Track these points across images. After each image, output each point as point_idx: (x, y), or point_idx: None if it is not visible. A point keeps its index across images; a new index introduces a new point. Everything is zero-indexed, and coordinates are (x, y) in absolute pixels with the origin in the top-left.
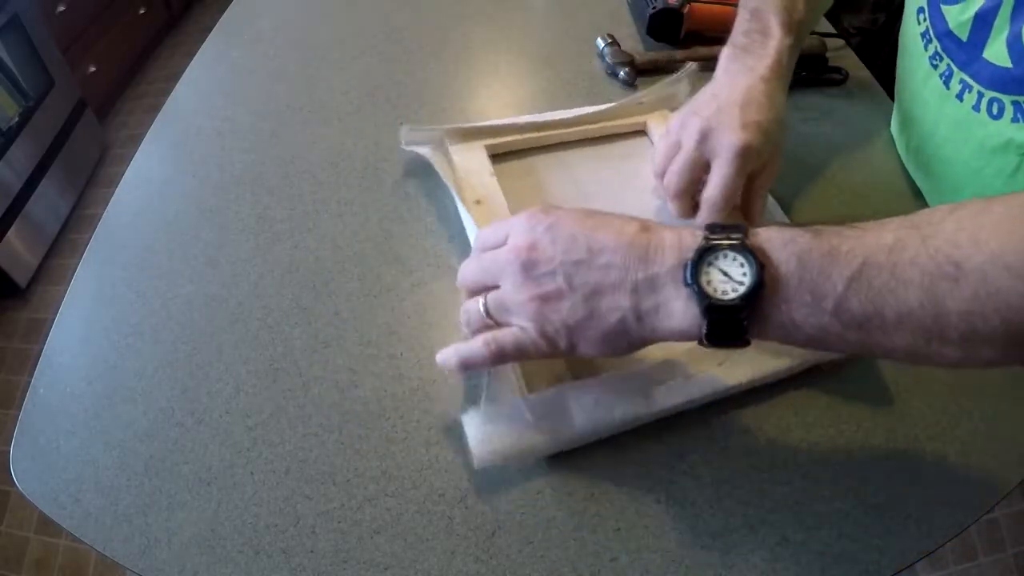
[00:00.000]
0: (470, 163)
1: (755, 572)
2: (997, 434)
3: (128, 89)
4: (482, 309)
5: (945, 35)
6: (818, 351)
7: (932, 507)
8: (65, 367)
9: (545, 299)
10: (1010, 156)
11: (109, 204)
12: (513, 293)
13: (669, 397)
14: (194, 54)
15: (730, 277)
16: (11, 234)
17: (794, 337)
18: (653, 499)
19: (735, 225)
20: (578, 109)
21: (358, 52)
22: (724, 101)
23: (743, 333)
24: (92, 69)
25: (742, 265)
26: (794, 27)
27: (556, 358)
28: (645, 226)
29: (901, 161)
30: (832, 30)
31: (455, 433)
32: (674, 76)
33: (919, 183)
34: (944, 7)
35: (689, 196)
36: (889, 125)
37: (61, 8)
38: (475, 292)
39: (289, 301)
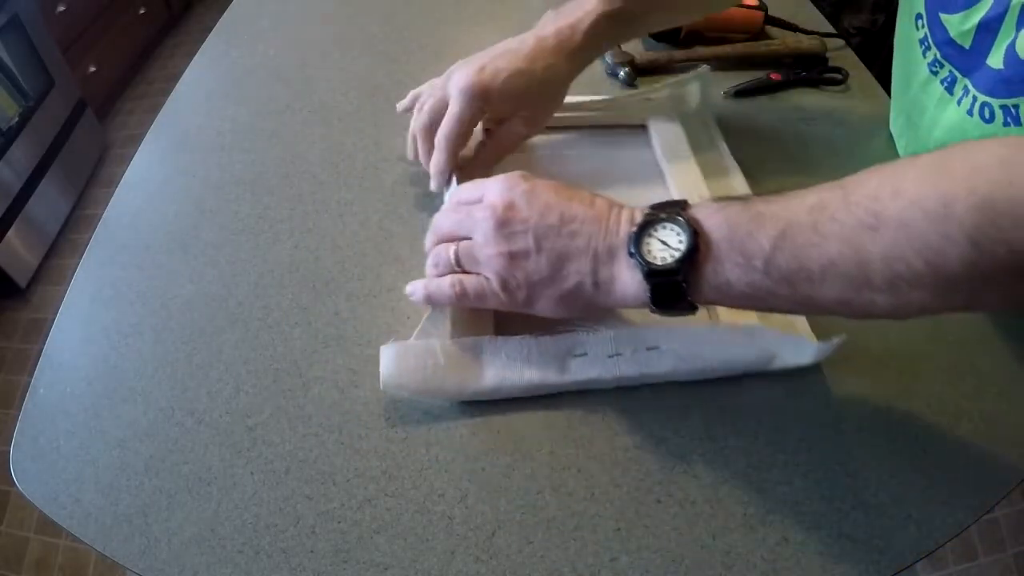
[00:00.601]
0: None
1: (755, 572)
2: (997, 434)
3: (128, 89)
4: (452, 256)
5: (946, 43)
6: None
7: (932, 507)
8: (65, 367)
9: (513, 256)
10: None
11: (109, 204)
12: (484, 246)
13: (582, 370)
14: (194, 54)
15: (668, 245)
16: (11, 234)
17: (731, 296)
18: (653, 499)
19: (677, 201)
20: (582, 96)
21: (358, 52)
22: (496, 50)
23: (683, 295)
24: (92, 69)
25: (678, 234)
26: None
27: (512, 310)
28: (612, 203)
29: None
30: (832, 30)
31: (456, 433)
32: (684, 76)
33: None
34: (944, 16)
35: (431, 136)
36: (889, 124)
37: (61, 8)
38: (445, 241)
39: (289, 301)
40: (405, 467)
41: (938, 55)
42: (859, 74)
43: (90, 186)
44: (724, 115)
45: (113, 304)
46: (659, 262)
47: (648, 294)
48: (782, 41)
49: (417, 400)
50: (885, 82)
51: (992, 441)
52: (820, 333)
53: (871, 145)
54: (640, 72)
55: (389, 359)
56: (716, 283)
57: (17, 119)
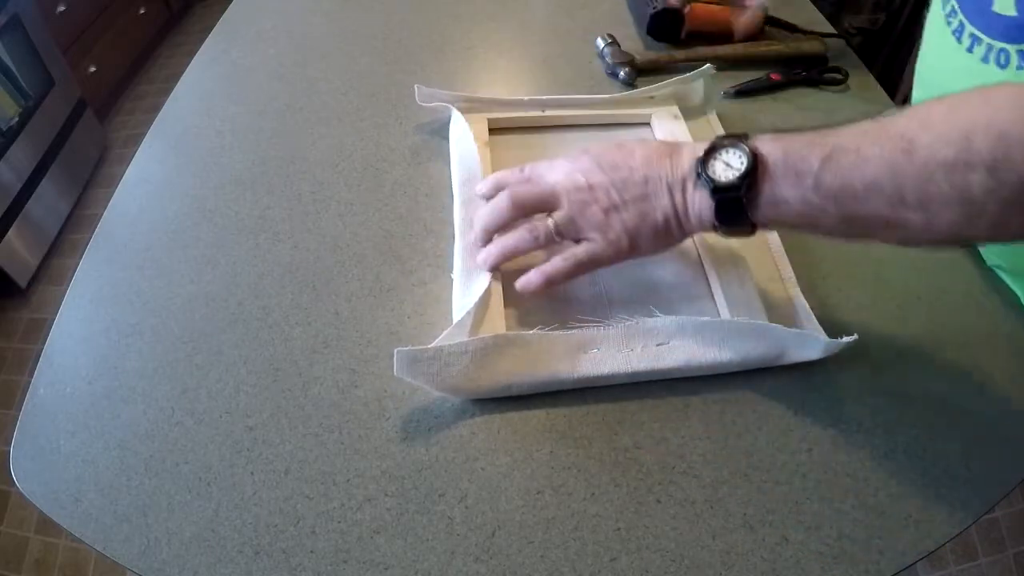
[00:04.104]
0: (470, 131)
1: (755, 572)
2: (997, 434)
3: (128, 89)
4: (552, 227)
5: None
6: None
7: (932, 507)
8: (65, 367)
9: (606, 211)
10: None
11: (109, 204)
12: (580, 212)
13: (593, 366)
14: (194, 54)
15: (730, 166)
16: (11, 234)
17: (786, 215)
18: (653, 499)
19: (739, 133)
20: (586, 95)
21: (358, 52)
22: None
23: (744, 211)
24: (92, 69)
25: (739, 156)
26: None
27: (620, 261)
28: (669, 143)
29: None
30: (832, 30)
31: (456, 433)
32: (688, 75)
33: None
34: None
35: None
36: None
37: (61, 8)
38: (529, 213)
39: (289, 301)
40: (405, 467)
41: (955, 5)
42: (859, 74)
43: (90, 186)
44: (724, 115)
45: (113, 304)
46: (723, 179)
47: (715, 211)
48: (782, 41)
49: (417, 400)
50: (885, 82)
51: (992, 441)
52: (830, 331)
53: None
54: (640, 72)
55: (403, 363)
56: (773, 200)
57: (17, 119)
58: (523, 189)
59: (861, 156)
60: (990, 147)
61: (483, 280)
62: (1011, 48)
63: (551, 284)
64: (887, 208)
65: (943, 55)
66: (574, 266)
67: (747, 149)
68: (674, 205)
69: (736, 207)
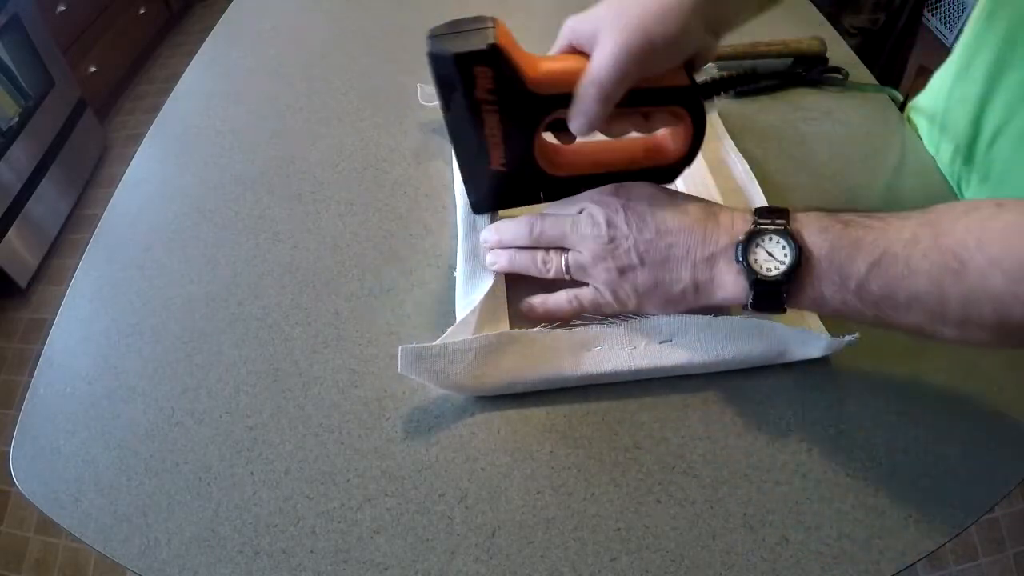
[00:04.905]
0: None
1: (755, 572)
2: (997, 434)
3: (128, 89)
4: (564, 266)
5: None
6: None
7: (932, 507)
8: (65, 367)
9: (621, 271)
10: None
11: (109, 204)
12: (593, 262)
13: (596, 364)
14: (194, 54)
15: (773, 256)
16: (11, 234)
17: (823, 309)
18: (653, 499)
19: (780, 209)
20: None
21: (358, 52)
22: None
23: (782, 303)
24: (92, 69)
25: (784, 248)
26: None
27: (623, 314)
28: (706, 207)
29: (901, 160)
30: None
31: (456, 433)
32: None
33: (964, 180)
34: None
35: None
36: (888, 124)
37: (61, 8)
38: (546, 247)
39: (289, 301)
40: (405, 467)
41: None
42: (859, 74)
43: (90, 186)
44: (724, 115)
45: (113, 304)
46: (765, 272)
47: (751, 299)
48: (782, 41)
49: (417, 400)
50: (885, 82)
51: (992, 441)
52: (831, 330)
53: (871, 145)
54: None
55: (407, 360)
56: (813, 296)
57: (17, 119)
58: (548, 225)
59: (909, 267)
60: None
61: (487, 279)
62: None
63: (549, 318)
64: (926, 321)
65: None
66: (576, 310)
67: (793, 242)
68: (695, 280)
69: (775, 299)
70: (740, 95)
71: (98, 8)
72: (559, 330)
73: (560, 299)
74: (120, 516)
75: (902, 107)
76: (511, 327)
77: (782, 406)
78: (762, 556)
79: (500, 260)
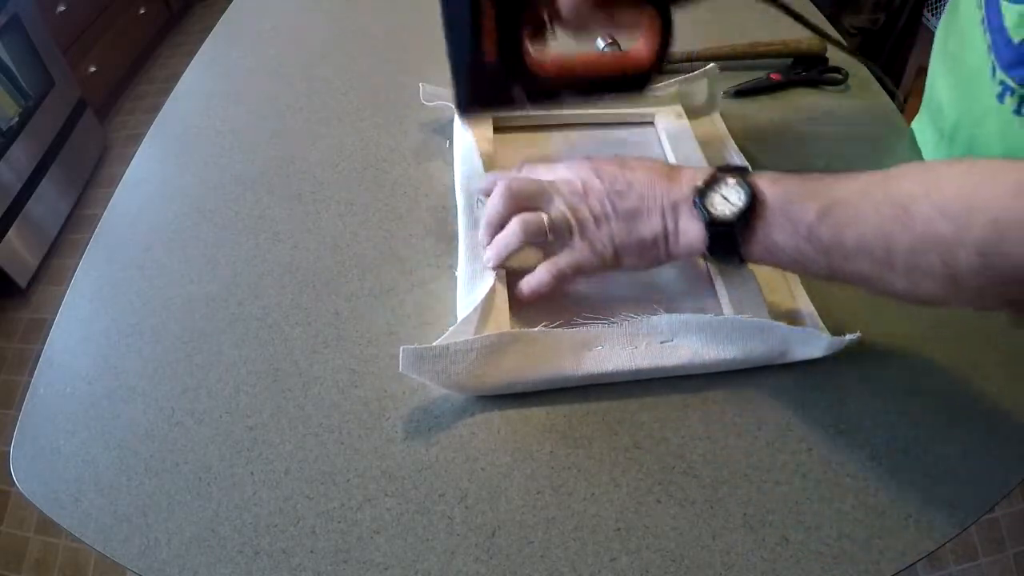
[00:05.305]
0: (472, 130)
1: (755, 572)
2: (997, 434)
3: (128, 89)
4: (546, 224)
5: (997, 30)
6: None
7: (932, 507)
8: (65, 367)
9: (596, 221)
10: None
11: (109, 204)
12: (572, 213)
13: (597, 363)
14: (194, 54)
15: (728, 200)
16: (11, 234)
17: (778, 258)
18: (653, 499)
19: (740, 167)
20: None
21: (358, 52)
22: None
23: (737, 247)
24: (92, 69)
25: (738, 193)
26: None
27: (602, 272)
28: (671, 165)
29: (901, 160)
30: (833, 31)
31: (456, 433)
32: (692, 74)
33: None
34: (1004, 2)
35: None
36: (888, 124)
37: (61, 8)
38: (518, 209)
39: (289, 301)
40: (405, 467)
41: (988, 42)
42: (859, 74)
43: (90, 186)
44: (724, 115)
45: (113, 304)
46: (720, 213)
47: (707, 242)
48: (782, 41)
49: (417, 400)
50: (884, 82)
51: (992, 441)
52: (831, 330)
53: (871, 145)
54: None
55: (409, 360)
56: (766, 242)
57: (17, 119)
58: (519, 180)
59: (858, 215)
60: (987, 231)
61: (488, 279)
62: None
63: (537, 295)
64: (874, 270)
65: (980, 93)
66: (556, 277)
67: (747, 186)
68: (665, 228)
69: (729, 242)
70: (740, 95)
71: (98, 8)
72: (560, 330)
73: (539, 273)
74: (120, 516)
75: (902, 108)
76: (512, 327)
77: (782, 406)
78: (762, 556)
79: (489, 253)
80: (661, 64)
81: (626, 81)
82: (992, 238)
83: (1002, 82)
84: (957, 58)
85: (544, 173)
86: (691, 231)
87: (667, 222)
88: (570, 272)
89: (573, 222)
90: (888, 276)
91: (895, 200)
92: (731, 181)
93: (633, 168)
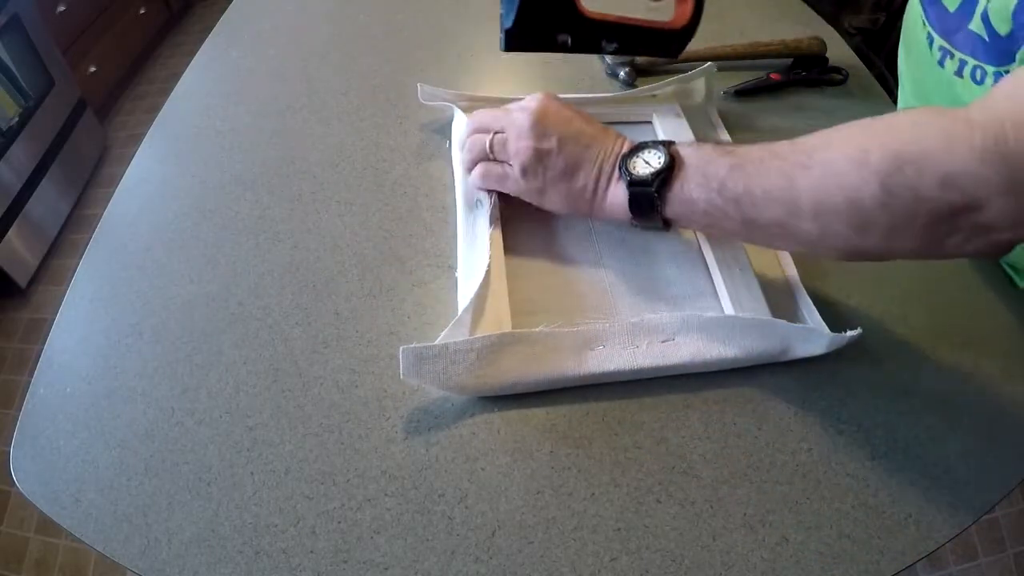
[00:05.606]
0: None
1: (755, 572)
2: (997, 434)
3: (128, 89)
4: (487, 144)
5: (931, 3)
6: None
7: (932, 507)
8: (65, 367)
9: (538, 151)
10: None
11: (109, 204)
12: (517, 139)
13: (598, 363)
14: (194, 54)
15: (648, 164)
16: (11, 234)
17: (693, 212)
18: (653, 499)
19: (665, 141)
20: (588, 94)
21: (358, 52)
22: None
23: (655, 205)
24: (92, 69)
25: (659, 157)
26: None
27: (520, 196)
28: (615, 131)
29: None
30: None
31: (456, 433)
32: (689, 73)
33: None
34: None
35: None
36: None
37: (61, 8)
38: (481, 132)
39: (289, 301)
40: (405, 467)
41: (922, 15)
42: (859, 74)
43: (90, 186)
44: (724, 115)
45: (113, 304)
46: (638, 173)
47: (628, 200)
48: (782, 41)
49: (417, 400)
50: (885, 82)
51: (992, 441)
52: (832, 329)
53: None
54: (640, 72)
55: (408, 361)
56: (683, 197)
57: (17, 119)
58: (483, 115)
59: (764, 167)
60: (885, 163)
61: (483, 263)
62: (988, 68)
63: (476, 184)
64: (783, 215)
65: (922, 65)
66: (479, 177)
67: (667, 150)
68: (597, 182)
69: (648, 201)
70: (740, 95)
71: (98, 8)
72: (561, 330)
73: (476, 170)
74: (120, 516)
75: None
76: (513, 327)
77: (782, 406)
78: (762, 556)
79: (471, 181)
80: (695, 27)
81: (662, 38)
82: (892, 169)
83: (941, 47)
84: (909, 34)
85: (517, 105)
86: (616, 192)
87: (601, 179)
88: (494, 181)
89: (512, 147)
90: (797, 222)
91: (799, 150)
92: (652, 147)
93: (588, 121)
